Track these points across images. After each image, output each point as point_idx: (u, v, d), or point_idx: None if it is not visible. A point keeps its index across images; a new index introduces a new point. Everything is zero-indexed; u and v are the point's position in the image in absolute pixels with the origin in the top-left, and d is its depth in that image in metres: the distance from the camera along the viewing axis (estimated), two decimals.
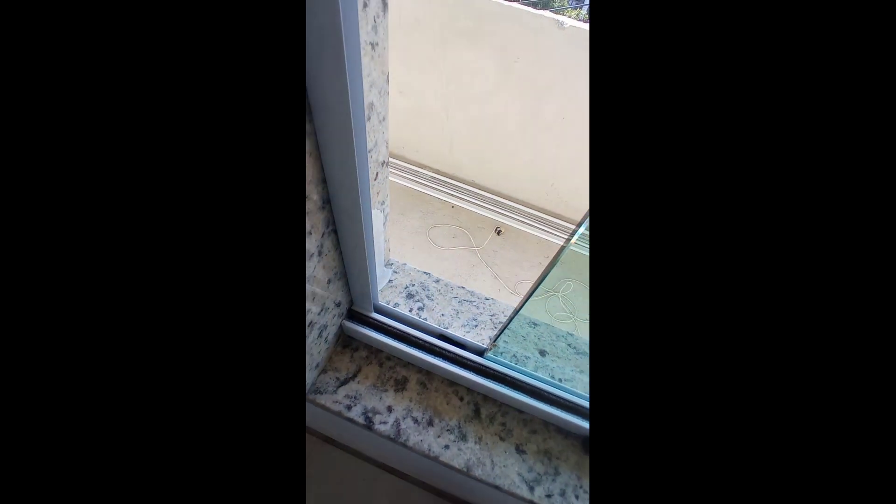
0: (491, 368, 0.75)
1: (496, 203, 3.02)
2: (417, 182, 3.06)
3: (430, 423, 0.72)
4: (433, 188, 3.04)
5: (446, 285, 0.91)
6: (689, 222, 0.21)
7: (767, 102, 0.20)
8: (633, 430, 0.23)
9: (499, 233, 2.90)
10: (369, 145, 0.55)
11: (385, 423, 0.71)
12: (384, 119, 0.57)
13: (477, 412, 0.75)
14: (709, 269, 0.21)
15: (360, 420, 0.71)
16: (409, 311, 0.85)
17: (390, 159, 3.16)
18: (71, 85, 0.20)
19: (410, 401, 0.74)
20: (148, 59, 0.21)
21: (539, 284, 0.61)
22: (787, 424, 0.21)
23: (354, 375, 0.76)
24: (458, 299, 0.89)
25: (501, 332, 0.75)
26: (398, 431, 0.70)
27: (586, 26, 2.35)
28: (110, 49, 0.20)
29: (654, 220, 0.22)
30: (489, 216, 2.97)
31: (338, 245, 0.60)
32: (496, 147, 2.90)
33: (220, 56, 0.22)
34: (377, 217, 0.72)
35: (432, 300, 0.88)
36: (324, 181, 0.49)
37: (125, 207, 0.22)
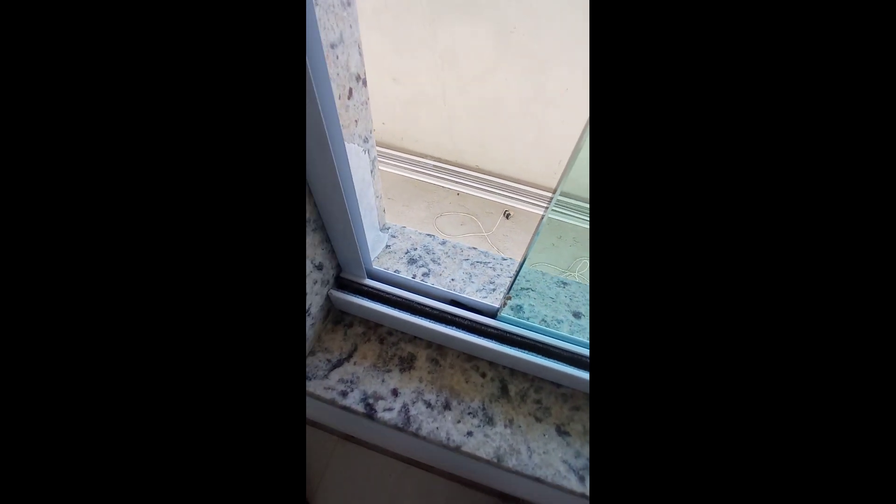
0: (517, 335, 0.60)
1: (502, 186, 2.88)
2: (420, 172, 2.94)
3: (447, 407, 0.58)
4: (437, 177, 2.92)
5: (455, 247, 0.77)
6: (691, 210, 0.21)
7: (771, 103, 0.19)
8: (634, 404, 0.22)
9: (508, 216, 2.76)
10: (330, 37, 0.41)
11: (390, 409, 0.57)
12: (350, 2, 0.43)
13: (504, 389, 0.61)
14: (712, 254, 0.20)
15: (359, 408, 0.57)
16: (413, 277, 0.71)
17: (390, 151, 3.05)
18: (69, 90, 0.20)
19: (420, 381, 0.60)
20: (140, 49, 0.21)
21: (536, 236, 0.51)
22: (788, 429, 0.20)
23: (350, 356, 0.62)
24: (469, 261, 0.75)
25: (513, 282, 0.60)
26: (407, 419, 0.56)
27: None
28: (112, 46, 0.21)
29: (655, 206, 0.21)
30: (497, 200, 2.83)
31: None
32: (498, 128, 2.77)
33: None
34: (357, 156, 0.58)
35: (439, 264, 0.73)
36: None
37: (106, 180, 0.21)
